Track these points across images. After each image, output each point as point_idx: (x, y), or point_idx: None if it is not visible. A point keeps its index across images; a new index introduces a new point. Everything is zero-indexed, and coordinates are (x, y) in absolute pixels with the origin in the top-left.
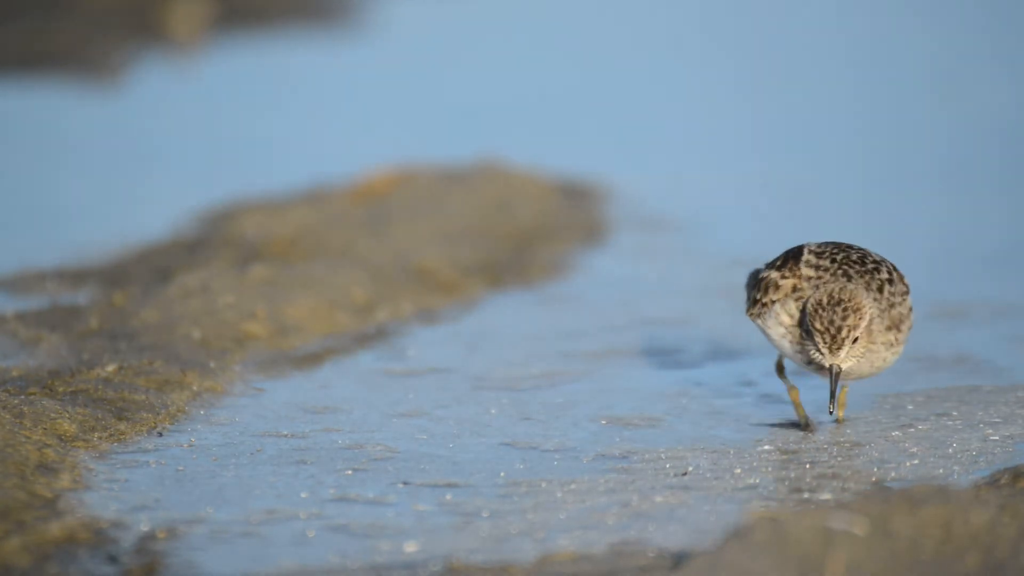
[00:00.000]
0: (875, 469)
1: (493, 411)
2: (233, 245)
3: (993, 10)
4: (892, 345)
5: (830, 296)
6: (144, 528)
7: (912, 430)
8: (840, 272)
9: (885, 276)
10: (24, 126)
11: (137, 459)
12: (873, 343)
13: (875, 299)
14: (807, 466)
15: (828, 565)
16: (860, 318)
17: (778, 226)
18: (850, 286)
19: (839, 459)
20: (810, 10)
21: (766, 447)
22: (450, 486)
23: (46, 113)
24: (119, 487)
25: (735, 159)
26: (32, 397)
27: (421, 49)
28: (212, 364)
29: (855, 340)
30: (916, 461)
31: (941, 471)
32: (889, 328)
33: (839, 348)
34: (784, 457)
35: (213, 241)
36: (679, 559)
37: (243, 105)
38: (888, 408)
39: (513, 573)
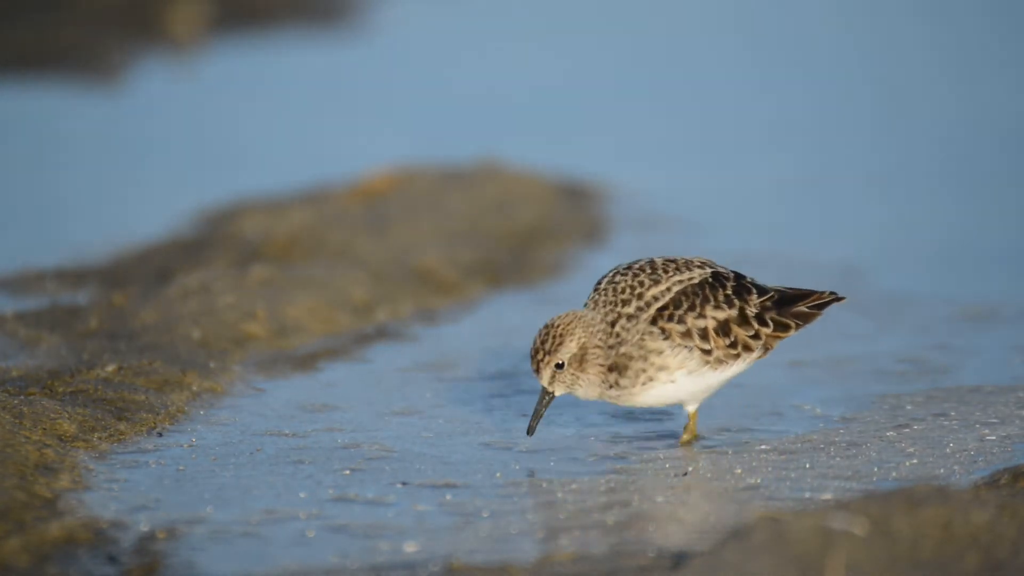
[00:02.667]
0: (875, 469)
1: (492, 410)
2: (233, 245)
3: (999, 9)
4: (611, 387)
5: (547, 321)
6: (144, 528)
7: (908, 430)
8: (594, 303)
9: (630, 310)
10: (24, 126)
11: (137, 459)
12: (584, 372)
13: (603, 331)
14: (807, 466)
15: (828, 565)
16: (559, 344)
17: (778, 226)
18: (577, 312)
19: (838, 459)
20: (808, 10)
21: (765, 447)
22: (449, 486)
23: (46, 113)
24: (119, 487)
25: (735, 159)
26: (32, 397)
27: (421, 49)
28: (212, 364)
29: (559, 366)
30: (915, 461)
31: (941, 471)
32: (611, 369)
33: (537, 371)
34: (783, 457)
35: (213, 241)
36: (679, 559)
37: (243, 105)
38: (887, 408)
39: (513, 573)
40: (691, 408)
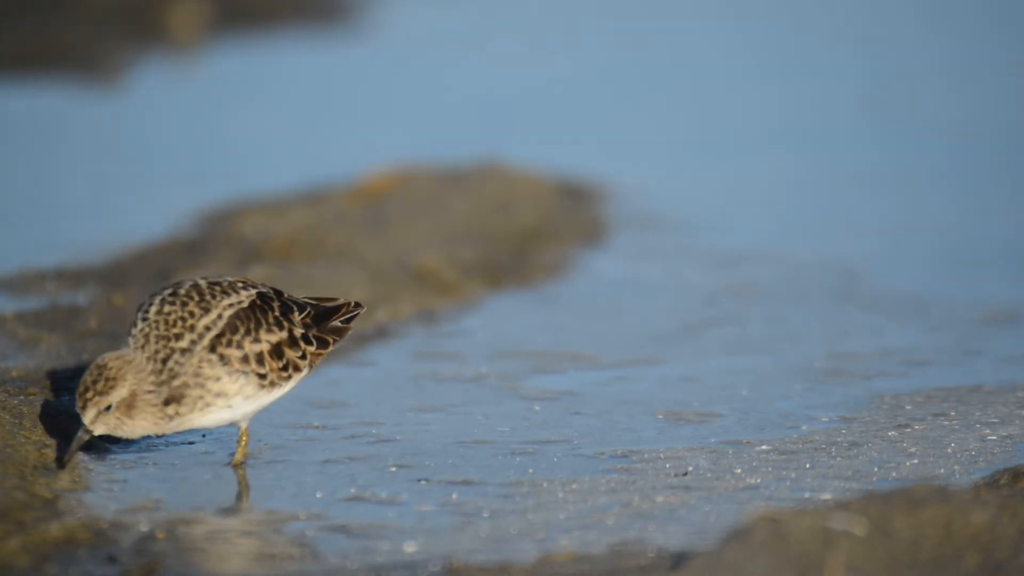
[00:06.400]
0: (875, 469)
1: (493, 411)
2: (233, 245)
3: (1001, 7)
4: (171, 418)
5: (99, 360)
6: (144, 528)
7: (908, 430)
8: (144, 337)
9: (184, 344)
10: (24, 126)
11: (137, 459)
12: (131, 418)
13: (153, 371)
14: (807, 466)
15: (828, 565)
16: (111, 388)
17: (780, 225)
18: (126, 355)
19: (838, 459)
20: (808, 9)
21: (765, 447)
22: (457, 484)
23: (46, 113)
24: (119, 487)
25: (736, 158)
26: (32, 397)
27: (421, 49)
28: None
29: (107, 408)
30: (916, 461)
31: (942, 471)
32: (167, 402)
33: (83, 408)
34: (784, 457)
35: (213, 241)
36: (679, 559)
37: (243, 105)
38: (887, 408)
39: (513, 573)
40: (244, 425)
